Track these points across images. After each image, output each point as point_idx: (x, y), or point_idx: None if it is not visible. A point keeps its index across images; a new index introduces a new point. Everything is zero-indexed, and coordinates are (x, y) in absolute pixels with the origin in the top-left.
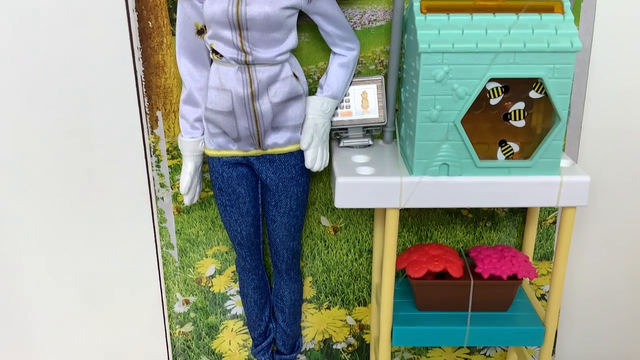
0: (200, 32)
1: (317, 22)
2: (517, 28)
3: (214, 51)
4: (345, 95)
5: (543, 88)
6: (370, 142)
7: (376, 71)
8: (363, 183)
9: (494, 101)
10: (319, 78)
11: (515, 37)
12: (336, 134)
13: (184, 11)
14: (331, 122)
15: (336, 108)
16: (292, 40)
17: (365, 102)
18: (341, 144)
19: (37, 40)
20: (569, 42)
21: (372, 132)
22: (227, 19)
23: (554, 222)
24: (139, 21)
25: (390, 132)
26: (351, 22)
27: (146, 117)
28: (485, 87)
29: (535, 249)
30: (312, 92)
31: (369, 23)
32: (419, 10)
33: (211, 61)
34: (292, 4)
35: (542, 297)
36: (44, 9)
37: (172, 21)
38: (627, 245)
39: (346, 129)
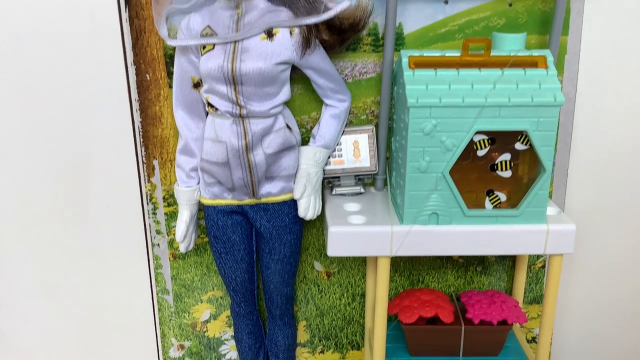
0: (197, 85)
1: (310, 76)
2: (502, 83)
3: (210, 104)
4: (337, 145)
5: (528, 140)
6: (362, 190)
7: (367, 121)
8: (355, 232)
9: (481, 152)
10: (311, 128)
11: (500, 92)
12: (329, 182)
13: (181, 66)
14: (324, 170)
15: (328, 157)
16: (285, 93)
17: (357, 151)
18: (334, 192)
19: (39, 92)
20: (552, 97)
21: (364, 180)
22: (223, 75)
23: (543, 266)
24: (137, 74)
25: (382, 179)
26: (342, 74)
27: (143, 166)
28: (472, 139)
29: (525, 292)
30: (305, 141)
31: (359, 75)
32: (407, 66)
33: (207, 112)
34: (285, 59)
35: (533, 340)
36: (46, 63)
37: (169, 74)
38: (615, 288)
39: (338, 177)
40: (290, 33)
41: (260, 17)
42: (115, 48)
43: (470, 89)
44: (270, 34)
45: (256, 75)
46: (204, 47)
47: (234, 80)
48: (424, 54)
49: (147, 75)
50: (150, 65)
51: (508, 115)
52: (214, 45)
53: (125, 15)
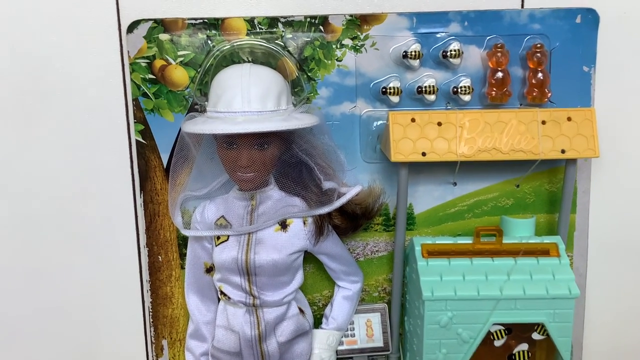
0: (209, 270)
1: (322, 260)
2: (516, 274)
3: (223, 293)
4: (350, 324)
5: (545, 330)
6: None
7: (379, 298)
8: None
9: (498, 343)
10: (324, 305)
11: (515, 284)
12: None
13: (194, 252)
14: (337, 351)
15: (341, 337)
16: (298, 280)
17: (370, 330)
18: None
19: (54, 280)
20: (567, 289)
21: (377, 359)
22: (237, 266)
23: None
24: (149, 256)
25: (395, 357)
26: (354, 253)
27: (152, 345)
28: (489, 330)
29: None
30: (316, 318)
31: (371, 254)
32: (420, 255)
33: (219, 298)
34: (298, 249)
35: None
36: (59, 247)
37: (182, 255)
38: None
39: (352, 357)
40: (304, 222)
41: (274, 208)
42: (129, 231)
43: (484, 280)
44: (283, 224)
45: (270, 266)
46: (218, 238)
47: (247, 271)
48: (437, 242)
49: (160, 257)
50: (162, 247)
51: (524, 307)
52: (228, 236)
53: (139, 200)
